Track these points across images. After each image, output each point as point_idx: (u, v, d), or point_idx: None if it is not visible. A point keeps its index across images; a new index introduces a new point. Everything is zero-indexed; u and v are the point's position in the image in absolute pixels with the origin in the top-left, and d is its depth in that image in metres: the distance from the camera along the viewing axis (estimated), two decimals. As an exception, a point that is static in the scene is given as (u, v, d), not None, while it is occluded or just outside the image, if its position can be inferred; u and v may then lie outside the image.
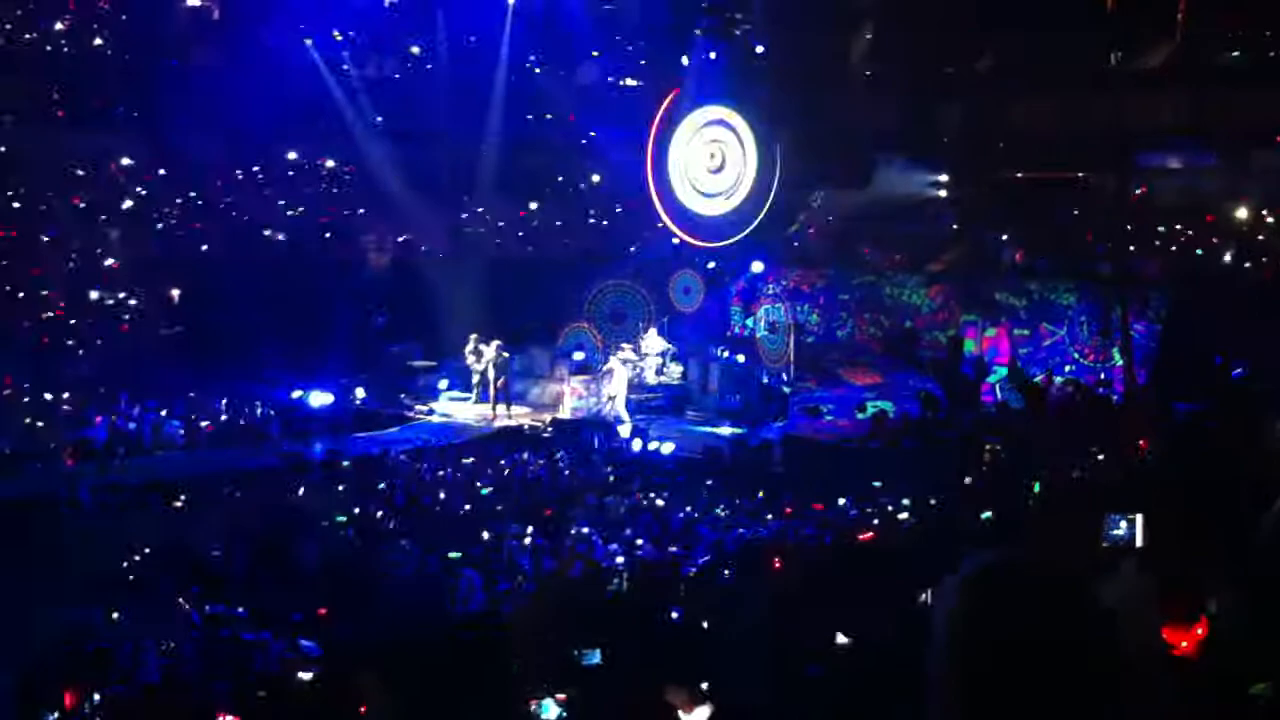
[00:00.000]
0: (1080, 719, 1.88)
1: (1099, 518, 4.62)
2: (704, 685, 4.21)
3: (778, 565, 9.93)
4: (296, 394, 22.46)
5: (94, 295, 25.08)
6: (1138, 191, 23.25)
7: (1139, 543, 4.44)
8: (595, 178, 28.69)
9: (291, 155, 28.46)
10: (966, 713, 1.91)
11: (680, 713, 4.04)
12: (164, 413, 20.62)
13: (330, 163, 29.07)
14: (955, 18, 22.61)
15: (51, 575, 10.53)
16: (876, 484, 15.58)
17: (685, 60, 26.32)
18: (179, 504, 15.00)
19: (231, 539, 12.01)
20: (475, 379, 23.85)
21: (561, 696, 4.95)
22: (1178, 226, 23.28)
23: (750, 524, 14.27)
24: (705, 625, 6.89)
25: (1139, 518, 4.49)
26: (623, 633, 6.20)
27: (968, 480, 15.41)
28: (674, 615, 7.68)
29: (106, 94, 25.06)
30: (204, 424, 20.63)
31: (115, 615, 9.14)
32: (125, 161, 26.40)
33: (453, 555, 11.65)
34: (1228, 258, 22.45)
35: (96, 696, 7.24)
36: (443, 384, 24.88)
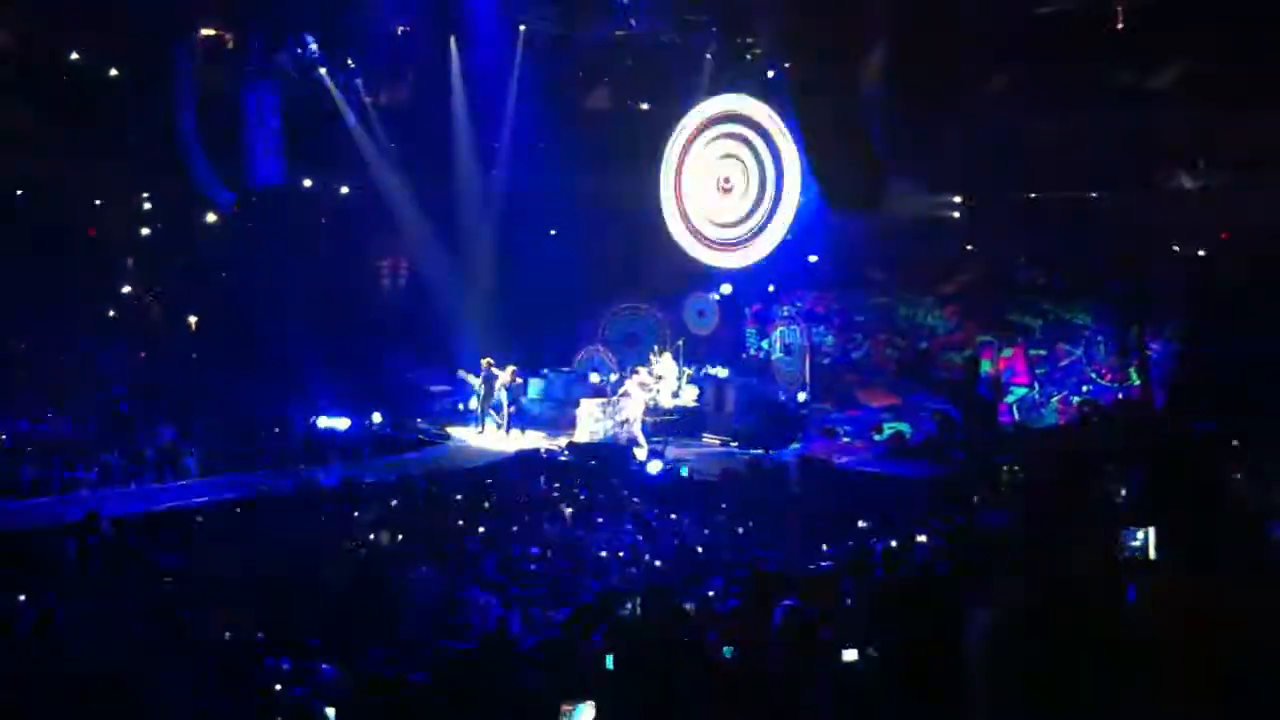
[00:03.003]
0: None
1: (1115, 532, 4.65)
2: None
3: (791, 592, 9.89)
4: (314, 419, 22.53)
5: (110, 322, 25.24)
6: (1153, 210, 23.21)
7: (1152, 555, 4.46)
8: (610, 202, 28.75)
9: (307, 182, 28.61)
10: None
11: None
12: (182, 439, 20.67)
13: (345, 189, 29.24)
14: (968, 37, 22.66)
15: (70, 604, 10.54)
16: (890, 515, 15.43)
17: (696, 82, 26.49)
18: (197, 530, 15.01)
19: (250, 565, 12.02)
20: (476, 403, 23.98)
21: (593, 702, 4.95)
22: (1193, 245, 23.23)
23: (767, 548, 14.23)
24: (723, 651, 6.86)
25: (1152, 530, 4.52)
26: (634, 655, 6.20)
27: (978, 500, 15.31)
28: (685, 639, 7.65)
29: (119, 121, 25.17)
30: (221, 451, 20.67)
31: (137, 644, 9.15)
32: (140, 189, 26.60)
33: (472, 579, 11.67)
34: (1243, 276, 22.37)
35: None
36: (460, 408, 24.97)
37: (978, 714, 1.97)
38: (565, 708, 4.88)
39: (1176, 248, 23.11)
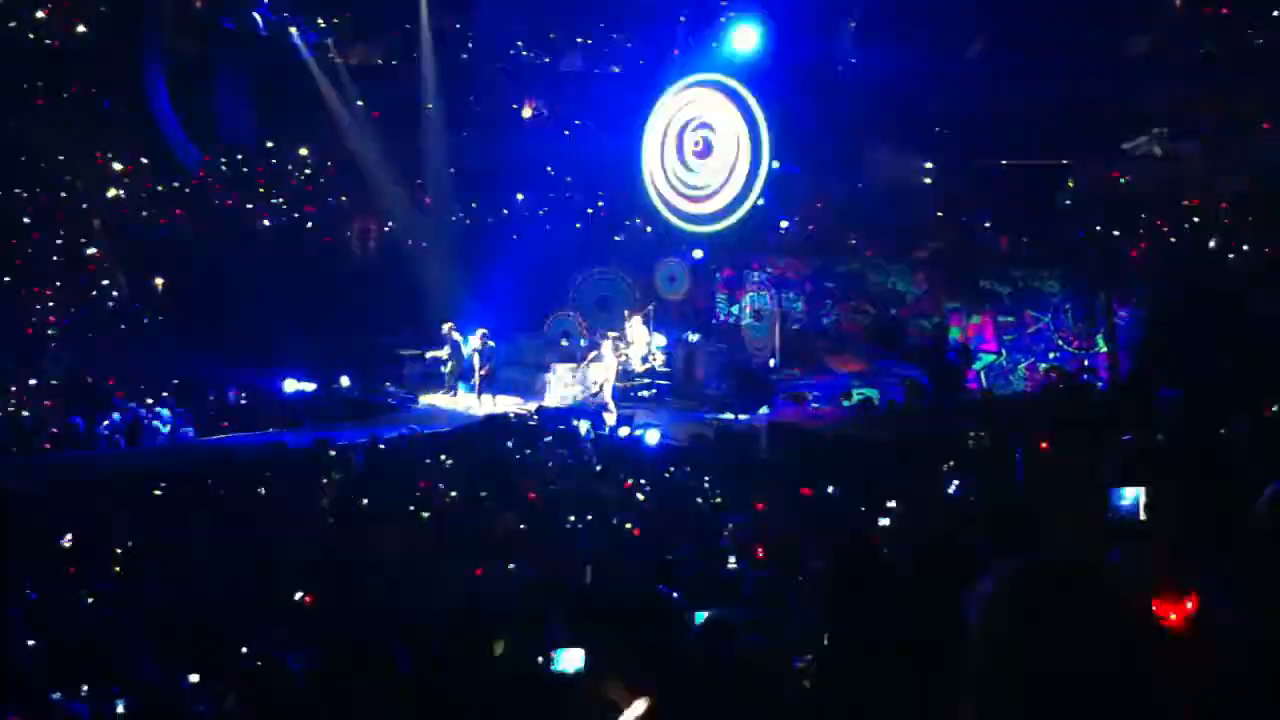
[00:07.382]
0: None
1: (1101, 492, 4.58)
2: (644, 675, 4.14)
3: (760, 554, 9.94)
4: (280, 383, 22.43)
5: (78, 284, 24.98)
6: (1122, 179, 23.29)
7: (1142, 516, 4.39)
8: (581, 166, 28.60)
9: (269, 144, 28.32)
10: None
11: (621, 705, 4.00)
12: (149, 402, 20.55)
13: (314, 151, 28.95)
14: (943, 4, 22.66)
15: (34, 567, 10.47)
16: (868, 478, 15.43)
17: (670, 45, 26.36)
18: (161, 494, 14.90)
19: (215, 532, 11.96)
20: (447, 369, 23.87)
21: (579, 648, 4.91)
22: (1161, 214, 23.33)
23: (736, 511, 14.22)
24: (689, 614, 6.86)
25: (1142, 490, 4.44)
26: (604, 622, 6.17)
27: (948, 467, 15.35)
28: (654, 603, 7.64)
29: (88, 83, 24.86)
30: (190, 413, 20.56)
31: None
32: (109, 150, 26.27)
33: (441, 544, 11.64)
34: (1211, 244, 22.50)
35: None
36: (429, 357, 24.85)
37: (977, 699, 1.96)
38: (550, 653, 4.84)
39: (1144, 216, 23.21)
